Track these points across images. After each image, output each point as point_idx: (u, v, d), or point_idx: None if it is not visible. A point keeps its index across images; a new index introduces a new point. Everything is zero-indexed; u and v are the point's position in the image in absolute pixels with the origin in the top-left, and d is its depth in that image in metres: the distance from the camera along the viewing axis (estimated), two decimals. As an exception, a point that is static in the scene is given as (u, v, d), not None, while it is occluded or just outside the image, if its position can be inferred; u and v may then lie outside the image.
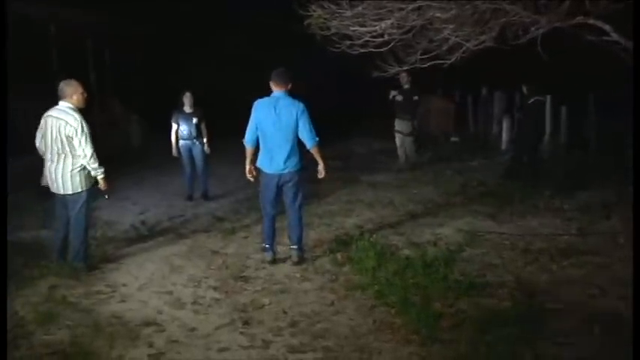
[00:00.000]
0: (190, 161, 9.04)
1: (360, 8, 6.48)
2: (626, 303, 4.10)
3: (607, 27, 5.87)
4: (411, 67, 7.06)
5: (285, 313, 4.74)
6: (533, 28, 6.24)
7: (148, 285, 5.48)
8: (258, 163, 5.91)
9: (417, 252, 6.02)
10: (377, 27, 6.49)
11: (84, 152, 5.51)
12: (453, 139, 15.02)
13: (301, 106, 5.77)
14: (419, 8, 6.29)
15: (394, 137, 11.80)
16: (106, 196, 5.95)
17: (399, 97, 11.22)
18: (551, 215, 7.49)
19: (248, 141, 5.86)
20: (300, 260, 5.96)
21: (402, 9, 6.29)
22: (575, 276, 5.35)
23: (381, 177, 10.86)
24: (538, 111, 9.40)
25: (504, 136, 12.73)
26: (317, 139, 5.83)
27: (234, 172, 10.74)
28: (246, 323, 4.55)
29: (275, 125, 5.73)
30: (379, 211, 8.20)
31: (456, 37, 6.45)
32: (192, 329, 4.47)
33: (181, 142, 9.00)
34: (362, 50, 6.80)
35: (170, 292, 5.27)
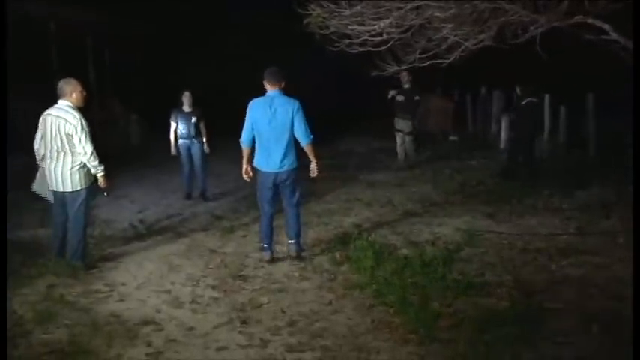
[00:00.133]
0: (189, 160, 9.03)
1: (358, 7, 6.48)
2: (625, 302, 4.10)
3: (606, 26, 5.88)
4: (410, 66, 7.07)
5: (283, 312, 4.74)
6: (532, 28, 6.25)
7: (146, 284, 5.47)
8: (255, 163, 5.91)
9: (416, 251, 6.02)
10: (376, 26, 6.49)
11: (84, 150, 5.51)
12: (451, 138, 15.02)
13: (296, 103, 5.78)
14: (418, 7, 6.29)
15: (393, 136, 11.80)
16: (105, 194, 5.95)
17: (400, 97, 11.23)
18: (550, 215, 7.49)
19: (244, 141, 5.88)
20: (299, 255, 5.97)
21: (400, 8, 6.30)
22: (573, 275, 5.35)
23: (380, 176, 10.86)
24: (531, 112, 9.45)
25: (503, 135, 12.73)
26: (311, 136, 5.84)
27: (232, 171, 10.73)
28: (244, 322, 4.55)
29: (271, 124, 5.73)
30: (378, 210, 8.20)
31: (455, 36, 6.45)
32: (191, 328, 4.47)
33: (180, 141, 8.99)
34: (361, 49, 6.81)
35: (168, 291, 5.27)
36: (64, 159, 5.58)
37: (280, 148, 5.75)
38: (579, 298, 4.82)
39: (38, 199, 6.10)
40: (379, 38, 6.66)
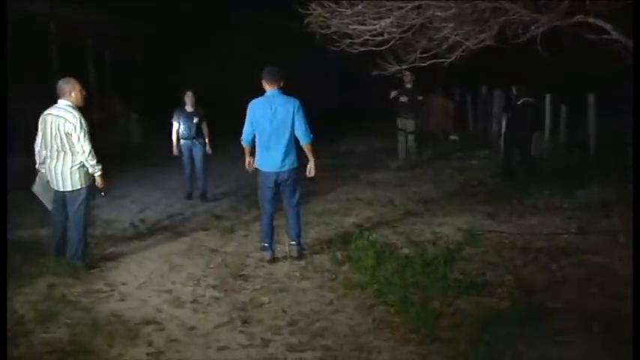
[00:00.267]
0: (190, 161, 9.01)
1: (359, 7, 6.49)
2: (626, 302, 4.10)
3: (607, 25, 5.88)
4: (411, 65, 7.07)
5: (284, 311, 4.73)
6: (533, 27, 6.25)
7: (147, 283, 5.47)
8: (256, 162, 5.91)
9: (417, 251, 6.01)
10: (377, 25, 6.50)
11: (82, 149, 5.52)
12: (452, 137, 15.02)
13: (297, 103, 5.78)
14: (418, 7, 6.30)
15: (395, 136, 11.81)
16: (103, 194, 5.93)
17: (404, 98, 11.26)
18: (551, 214, 7.48)
19: (245, 140, 5.91)
20: (300, 256, 5.97)
21: (401, 8, 6.30)
22: (574, 275, 5.34)
23: (381, 175, 10.86)
24: (526, 112, 9.48)
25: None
26: (311, 136, 5.85)
27: (233, 171, 10.75)
28: (245, 322, 4.55)
29: (272, 124, 5.74)
30: (378, 209, 8.19)
31: (456, 35, 6.46)
32: (192, 328, 4.47)
33: (182, 141, 8.98)
34: (362, 49, 6.81)
35: (169, 291, 5.26)
36: (63, 158, 5.59)
37: (281, 148, 5.76)
38: (580, 297, 4.82)
39: (38, 198, 6.10)
40: (380, 38, 6.66)
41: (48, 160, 5.67)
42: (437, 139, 14.65)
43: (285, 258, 6.03)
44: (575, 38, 6.26)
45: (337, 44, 6.88)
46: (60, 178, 5.63)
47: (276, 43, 17.64)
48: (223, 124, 9.61)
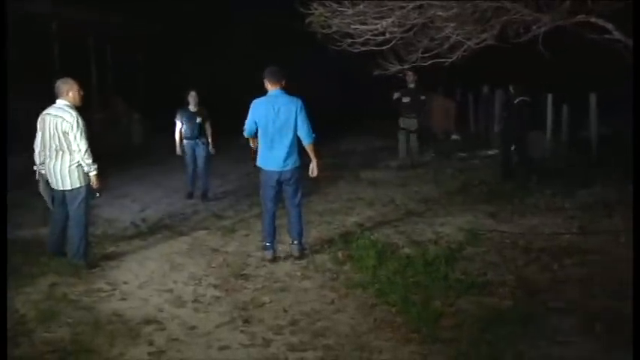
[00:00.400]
0: (193, 161, 8.98)
1: (361, 6, 6.48)
2: (628, 302, 4.09)
3: (609, 25, 5.87)
4: (412, 65, 7.06)
5: (285, 311, 4.73)
6: (534, 27, 6.24)
7: (148, 283, 5.47)
8: (259, 161, 5.92)
9: (418, 250, 6.01)
10: (378, 25, 6.50)
11: (78, 147, 5.55)
12: (453, 137, 15.02)
13: (299, 102, 5.78)
14: (420, 6, 6.29)
15: (396, 135, 11.80)
16: (98, 194, 5.90)
17: (406, 99, 11.27)
18: (553, 214, 7.48)
19: (248, 133, 5.92)
20: (301, 255, 5.97)
21: (403, 7, 6.30)
22: (576, 275, 5.34)
23: (382, 175, 10.86)
24: (522, 111, 9.49)
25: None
26: (314, 136, 5.85)
27: (235, 171, 10.77)
28: (246, 321, 4.54)
29: (275, 123, 5.74)
30: (380, 209, 8.19)
31: (458, 35, 6.45)
32: (193, 327, 4.47)
33: (185, 141, 8.96)
34: (363, 49, 6.81)
35: (170, 290, 5.26)
36: (62, 157, 5.61)
37: (284, 147, 5.76)
38: (582, 297, 4.82)
39: (39, 198, 6.11)
40: (381, 37, 6.66)
41: (47, 160, 5.69)
42: (438, 138, 14.66)
43: (286, 257, 6.03)
44: (577, 38, 6.25)
45: (338, 44, 6.88)
46: (59, 177, 5.65)
47: (277, 42, 17.65)
48: (225, 124, 9.61)
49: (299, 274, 5.62)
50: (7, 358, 3.76)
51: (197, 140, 8.92)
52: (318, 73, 18.45)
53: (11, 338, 4.12)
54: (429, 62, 6.92)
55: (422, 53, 6.82)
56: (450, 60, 6.76)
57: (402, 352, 3.99)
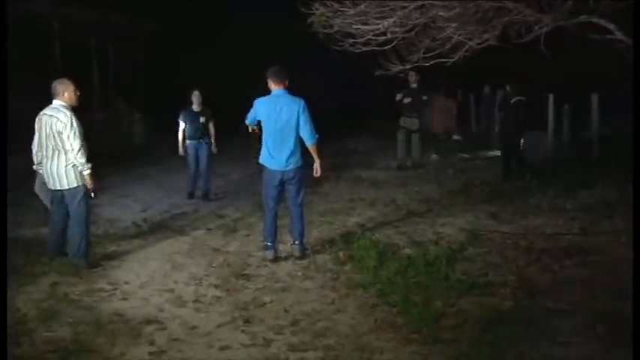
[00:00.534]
0: (195, 160, 8.97)
1: (362, 6, 6.48)
2: (629, 303, 4.08)
3: (611, 26, 5.86)
4: (414, 65, 7.06)
5: (286, 311, 4.73)
6: (536, 27, 6.23)
7: (149, 283, 5.47)
8: (262, 160, 5.92)
9: (419, 251, 6.01)
10: (380, 25, 6.49)
11: (71, 146, 5.57)
12: (455, 137, 15.01)
13: (302, 103, 5.78)
14: (422, 6, 6.29)
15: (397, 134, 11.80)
16: (92, 194, 5.86)
17: (408, 99, 11.27)
18: (554, 215, 7.47)
19: (249, 122, 5.95)
20: (302, 255, 5.97)
21: (404, 7, 6.29)
22: (577, 276, 5.33)
23: (383, 175, 10.86)
24: (519, 110, 9.51)
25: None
26: (317, 136, 5.84)
27: (236, 170, 10.77)
28: (247, 321, 4.54)
29: (277, 123, 5.74)
30: (381, 209, 8.19)
31: (459, 35, 6.45)
32: (194, 327, 4.47)
33: (188, 141, 8.94)
34: (364, 49, 6.81)
35: (171, 290, 5.26)
36: (58, 157, 5.64)
37: (286, 148, 5.77)
38: (583, 298, 4.81)
39: (39, 198, 6.12)
40: (383, 37, 6.66)
41: (44, 160, 5.72)
42: (439, 139, 14.66)
43: (287, 257, 6.03)
44: (579, 38, 6.25)
45: (340, 44, 6.88)
46: (56, 177, 5.67)
47: (278, 42, 17.66)
48: (225, 124, 9.63)
49: (300, 274, 5.62)
50: (7, 358, 3.76)
51: (200, 140, 8.90)
52: (320, 74, 18.46)
53: (12, 337, 4.12)
54: (431, 62, 6.91)
55: (423, 53, 6.81)
56: (451, 60, 6.75)
57: (403, 353, 3.99)
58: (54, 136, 5.60)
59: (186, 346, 4.17)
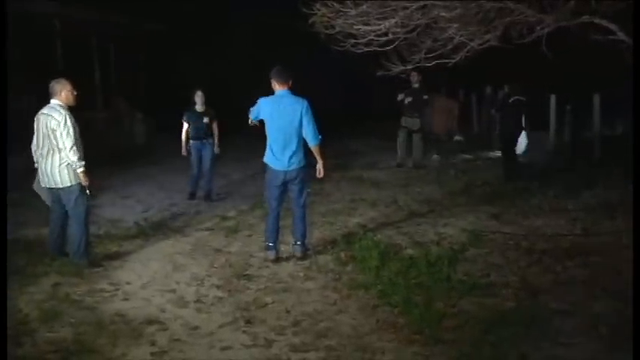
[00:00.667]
0: (198, 161, 8.95)
1: (364, 7, 6.48)
2: (630, 304, 4.08)
3: (613, 26, 5.86)
4: (416, 66, 7.06)
5: (287, 312, 4.73)
6: (538, 28, 6.23)
7: (151, 283, 5.47)
8: (265, 159, 5.91)
9: (421, 251, 6.01)
10: (381, 26, 6.49)
11: (63, 144, 5.58)
12: (456, 138, 15.01)
13: (305, 103, 5.77)
14: (423, 7, 6.29)
15: (397, 135, 11.80)
16: (89, 192, 5.84)
17: (409, 99, 11.28)
18: (556, 215, 7.47)
19: (252, 117, 5.94)
20: (304, 256, 5.97)
21: (406, 8, 6.29)
22: (579, 276, 5.33)
23: (385, 176, 10.86)
24: (517, 110, 9.52)
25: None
26: (320, 137, 5.84)
27: (237, 171, 10.77)
28: (248, 322, 4.54)
29: (280, 123, 5.74)
30: (383, 210, 8.19)
31: (461, 36, 6.45)
32: (195, 328, 4.47)
33: (191, 142, 8.91)
34: (366, 49, 6.81)
35: (173, 291, 5.27)
36: (52, 156, 5.66)
37: (289, 148, 5.76)
38: (585, 299, 4.81)
39: (40, 198, 6.12)
40: (385, 38, 6.66)
41: (40, 159, 5.74)
42: (441, 139, 14.66)
43: (289, 258, 6.03)
44: (581, 39, 6.25)
45: (341, 44, 6.88)
46: (50, 176, 5.70)
47: (280, 43, 17.67)
48: (226, 124, 9.63)
49: (302, 274, 5.62)
50: (9, 359, 3.76)
51: (204, 141, 8.88)
52: (321, 74, 18.47)
53: (14, 338, 4.13)
54: (433, 63, 6.92)
55: (425, 54, 6.81)
56: (453, 61, 6.76)
57: (405, 353, 3.99)
58: (49, 135, 5.62)
59: (187, 346, 4.17)
